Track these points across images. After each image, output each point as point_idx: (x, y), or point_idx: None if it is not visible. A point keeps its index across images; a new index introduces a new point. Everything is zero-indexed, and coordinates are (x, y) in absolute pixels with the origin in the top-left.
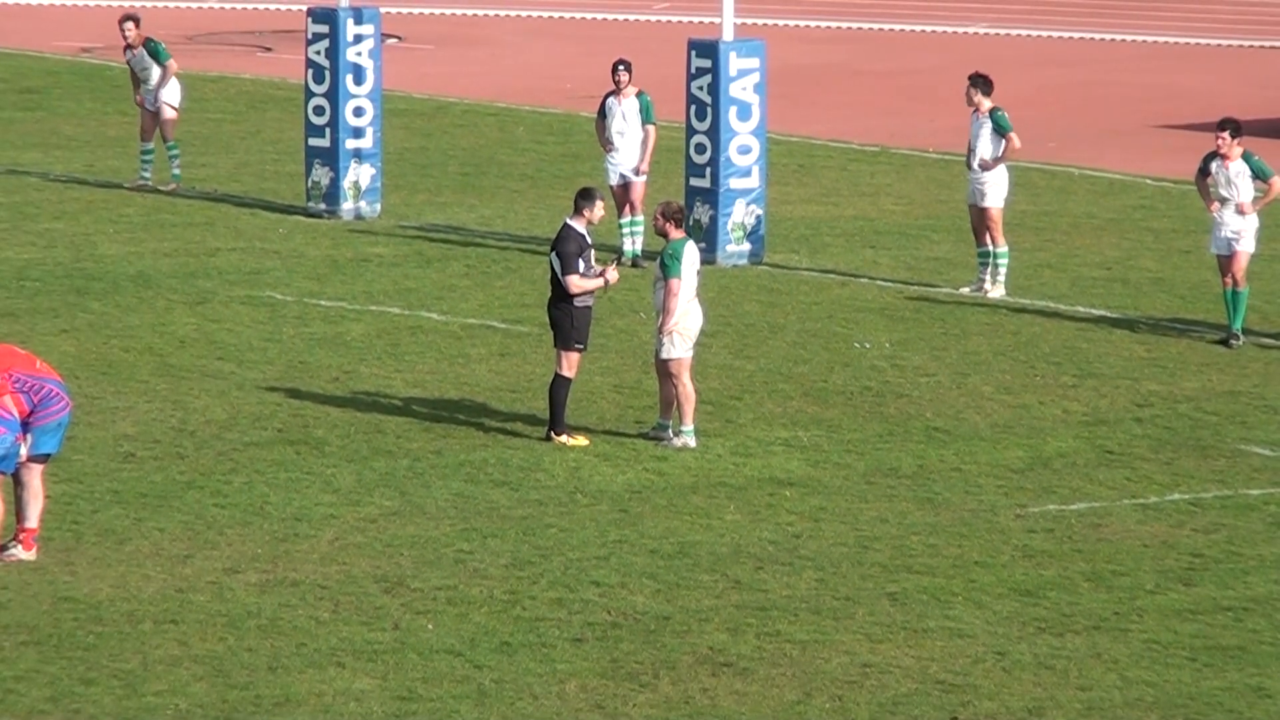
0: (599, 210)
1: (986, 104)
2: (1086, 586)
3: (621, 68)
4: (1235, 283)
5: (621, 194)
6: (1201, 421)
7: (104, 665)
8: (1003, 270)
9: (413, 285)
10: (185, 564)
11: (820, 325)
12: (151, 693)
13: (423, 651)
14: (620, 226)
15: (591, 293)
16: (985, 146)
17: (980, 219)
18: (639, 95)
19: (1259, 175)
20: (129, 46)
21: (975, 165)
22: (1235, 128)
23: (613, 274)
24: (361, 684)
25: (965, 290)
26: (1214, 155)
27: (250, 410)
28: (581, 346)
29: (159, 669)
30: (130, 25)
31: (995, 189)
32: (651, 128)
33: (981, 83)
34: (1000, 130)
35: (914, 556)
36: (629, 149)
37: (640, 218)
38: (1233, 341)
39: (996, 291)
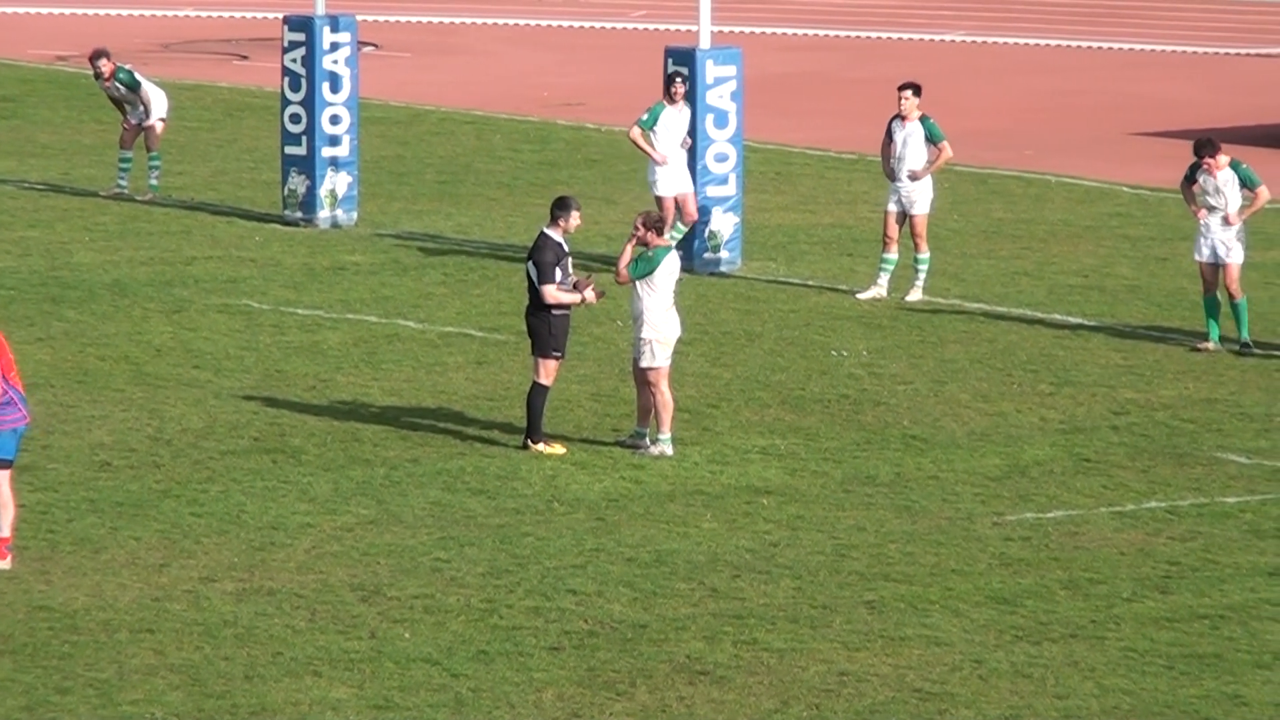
0: (575, 219)
1: (917, 112)
2: (1063, 594)
3: (680, 79)
4: (1232, 294)
5: (674, 205)
6: (1178, 429)
7: (80, 674)
8: (923, 275)
9: (389, 293)
10: (161, 573)
11: (797, 333)
12: (127, 702)
13: (399, 660)
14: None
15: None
16: (916, 155)
17: (902, 226)
18: (686, 103)
19: (1246, 184)
20: (100, 78)
21: (904, 174)
22: (1214, 146)
23: (590, 295)
24: (338, 693)
25: (865, 296)
26: (1200, 165)
27: (227, 419)
28: (559, 354)
29: (135, 678)
30: (102, 61)
31: (924, 197)
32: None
33: (916, 90)
34: (933, 139)
35: (891, 565)
36: (684, 160)
37: (682, 229)
38: (1246, 350)
39: (915, 295)
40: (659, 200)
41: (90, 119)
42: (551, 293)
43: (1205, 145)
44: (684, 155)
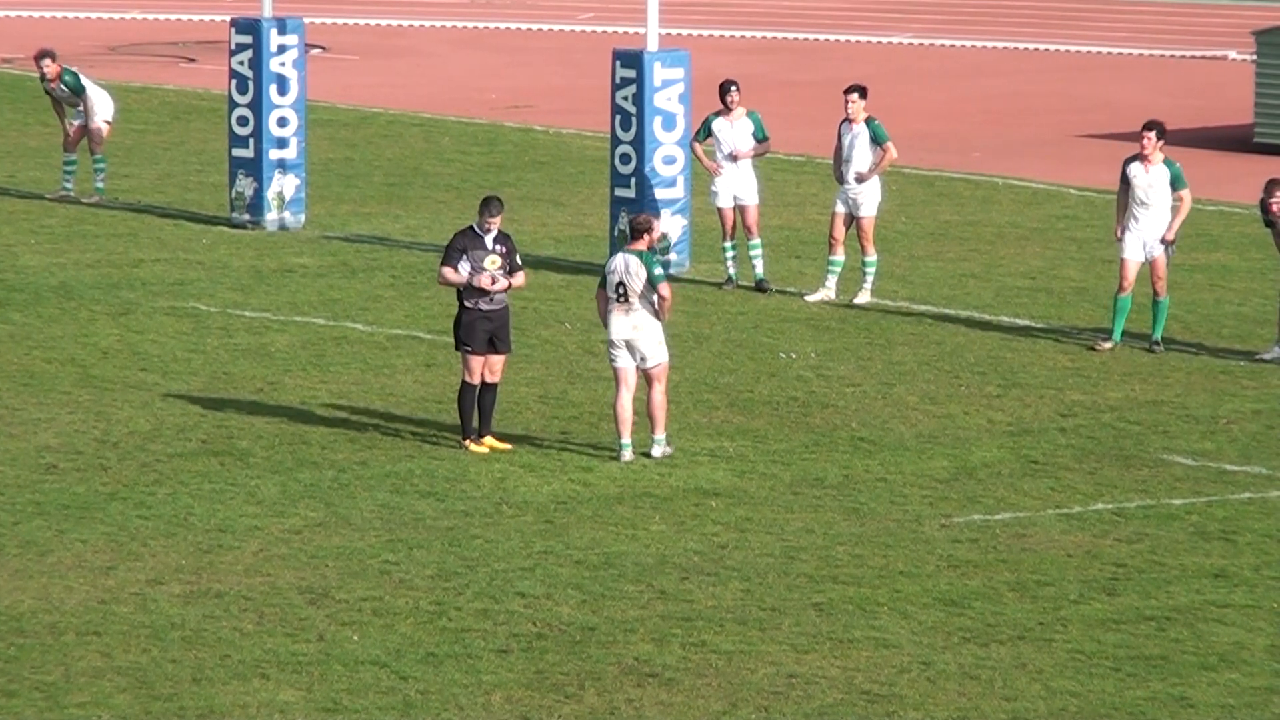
0: (495, 215)
1: (863, 114)
2: (1011, 596)
3: (734, 88)
4: (1156, 292)
5: (734, 217)
6: (1125, 431)
7: (26, 677)
8: (870, 278)
9: (337, 296)
10: (108, 575)
11: (746, 335)
12: (74, 704)
13: (348, 663)
14: (725, 250)
15: (483, 295)
16: (862, 157)
17: (849, 228)
18: (750, 114)
19: (1175, 184)
20: (46, 79)
21: (851, 177)
22: (1161, 130)
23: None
24: (286, 695)
25: (814, 298)
26: (1135, 158)
27: (174, 421)
28: (468, 348)
29: (82, 681)
30: (47, 61)
31: (871, 199)
32: (768, 142)
33: (862, 92)
34: (878, 140)
35: (840, 567)
36: (743, 170)
37: (758, 240)
38: (1155, 348)
39: (863, 298)
40: (718, 211)
41: (36, 121)
42: (446, 274)
43: (1154, 124)
44: (744, 165)
